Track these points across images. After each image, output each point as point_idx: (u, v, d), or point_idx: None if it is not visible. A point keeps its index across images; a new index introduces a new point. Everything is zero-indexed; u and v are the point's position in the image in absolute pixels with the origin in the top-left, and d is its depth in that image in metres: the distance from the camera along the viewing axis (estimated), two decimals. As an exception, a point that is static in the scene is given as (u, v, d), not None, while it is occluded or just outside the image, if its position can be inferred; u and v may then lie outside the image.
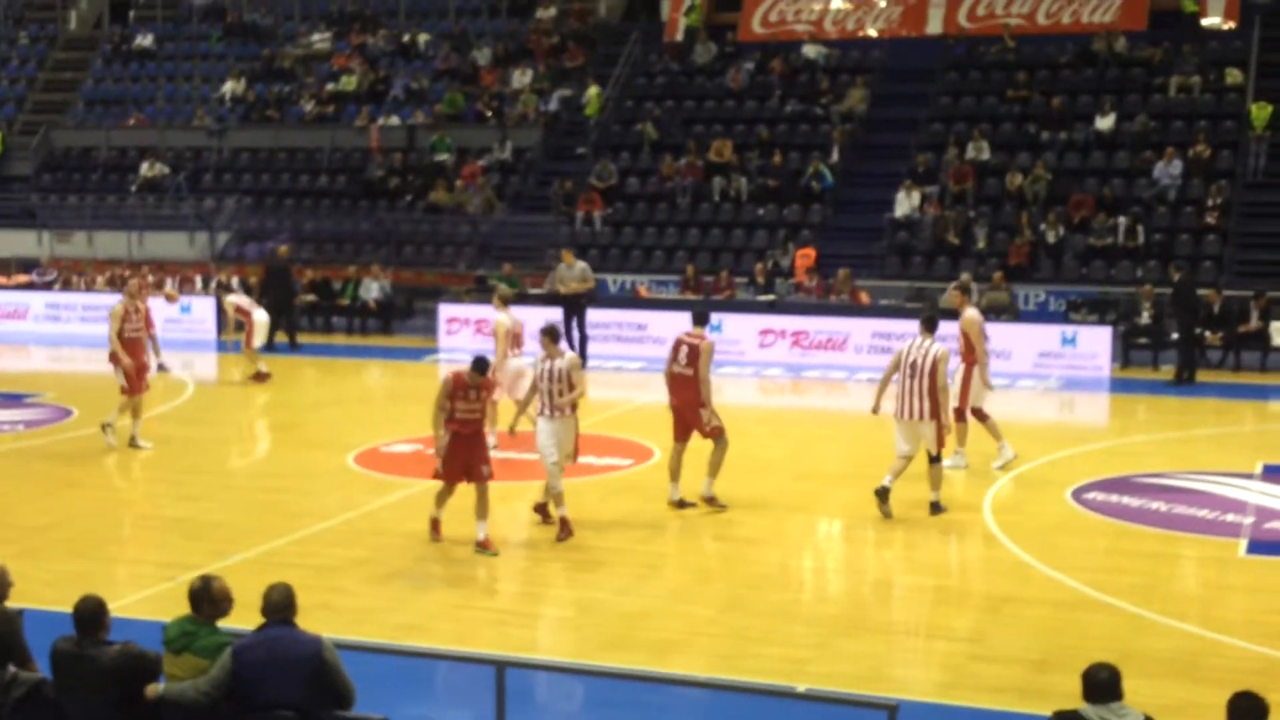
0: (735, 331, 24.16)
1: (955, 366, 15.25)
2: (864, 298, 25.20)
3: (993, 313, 22.26)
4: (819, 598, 11.93)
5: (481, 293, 27.37)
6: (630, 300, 26.52)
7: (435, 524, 12.80)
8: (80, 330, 28.48)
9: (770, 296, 25.69)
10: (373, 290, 28.34)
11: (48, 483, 15.43)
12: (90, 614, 7.20)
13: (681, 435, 14.00)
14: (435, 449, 12.61)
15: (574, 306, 23.74)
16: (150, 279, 28.01)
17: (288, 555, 12.47)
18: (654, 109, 32.75)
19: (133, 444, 16.91)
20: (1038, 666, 9.76)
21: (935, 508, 13.77)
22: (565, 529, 12.89)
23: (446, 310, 26.64)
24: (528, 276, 27.33)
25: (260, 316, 23.07)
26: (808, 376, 23.20)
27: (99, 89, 39.11)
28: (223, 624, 7.32)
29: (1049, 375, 22.74)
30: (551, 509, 13.18)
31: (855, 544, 13.42)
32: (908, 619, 11.15)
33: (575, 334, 23.48)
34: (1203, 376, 22.39)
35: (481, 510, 12.45)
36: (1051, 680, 9.32)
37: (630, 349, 24.54)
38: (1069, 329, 23.53)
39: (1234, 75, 29.49)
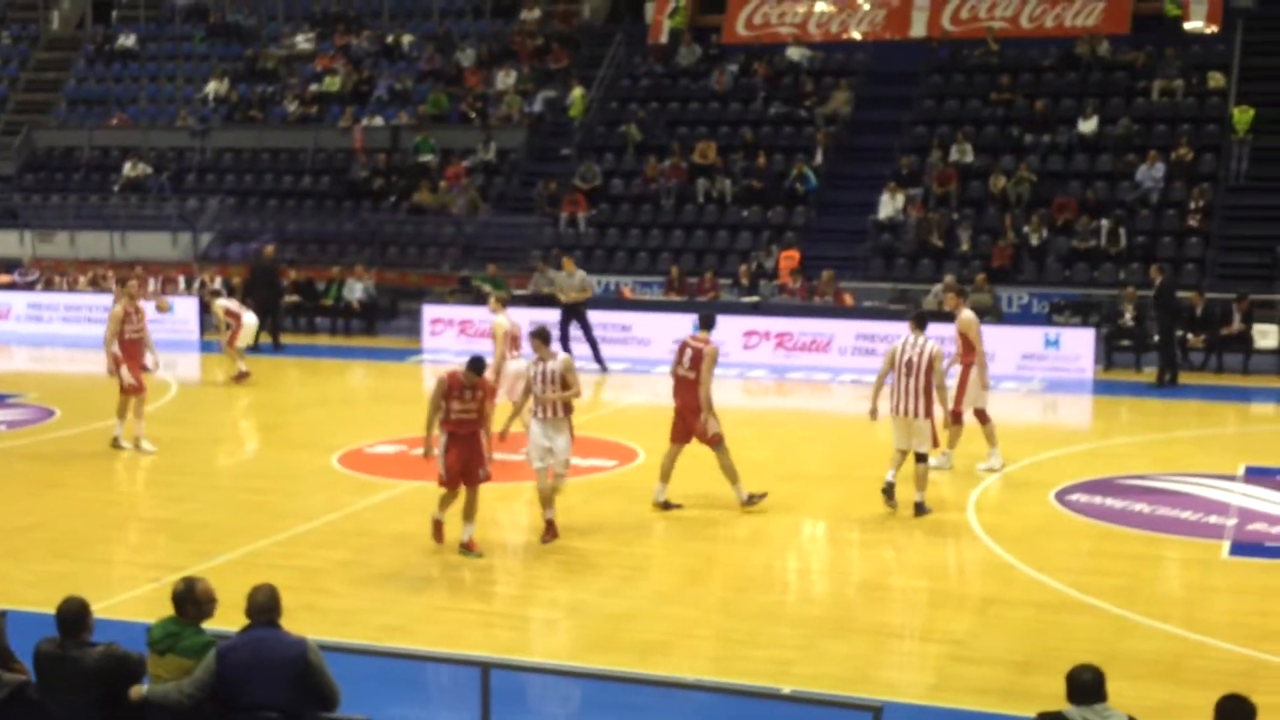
0: (719, 333, 23.80)
1: (950, 367, 15.27)
2: (848, 299, 25.24)
3: (976, 315, 22.25)
4: (804, 599, 11.93)
5: (465, 294, 27.36)
6: (614, 301, 26.50)
7: (438, 526, 12.65)
8: (62, 330, 28.39)
9: (754, 298, 25.70)
10: (356, 291, 28.29)
11: (30, 483, 15.36)
12: (73, 615, 7.17)
13: (679, 437, 13.97)
14: (425, 450, 12.57)
15: (573, 312, 23.77)
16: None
17: (272, 556, 12.43)
18: (638, 111, 32.76)
19: (137, 446, 16.84)
20: (1022, 668, 9.78)
21: (920, 509, 13.77)
22: (551, 531, 12.85)
23: (430, 311, 26.60)
24: (512, 277, 27.30)
25: (250, 320, 23.06)
26: (792, 378, 23.21)
27: (81, 89, 39.00)
28: (207, 625, 7.30)
29: (1032, 377, 22.79)
30: (540, 511, 13.05)
31: (840, 545, 13.44)
32: (893, 620, 11.16)
33: (576, 339, 23.49)
34: (1185, 379, 22.47)
35: (469, 512, 12.39)
36: (1036, 682, 9.34)
37: (614, 350, 24.51)
38: (1052, 331, 23.59)
39: (1216, 79, 29.61)
